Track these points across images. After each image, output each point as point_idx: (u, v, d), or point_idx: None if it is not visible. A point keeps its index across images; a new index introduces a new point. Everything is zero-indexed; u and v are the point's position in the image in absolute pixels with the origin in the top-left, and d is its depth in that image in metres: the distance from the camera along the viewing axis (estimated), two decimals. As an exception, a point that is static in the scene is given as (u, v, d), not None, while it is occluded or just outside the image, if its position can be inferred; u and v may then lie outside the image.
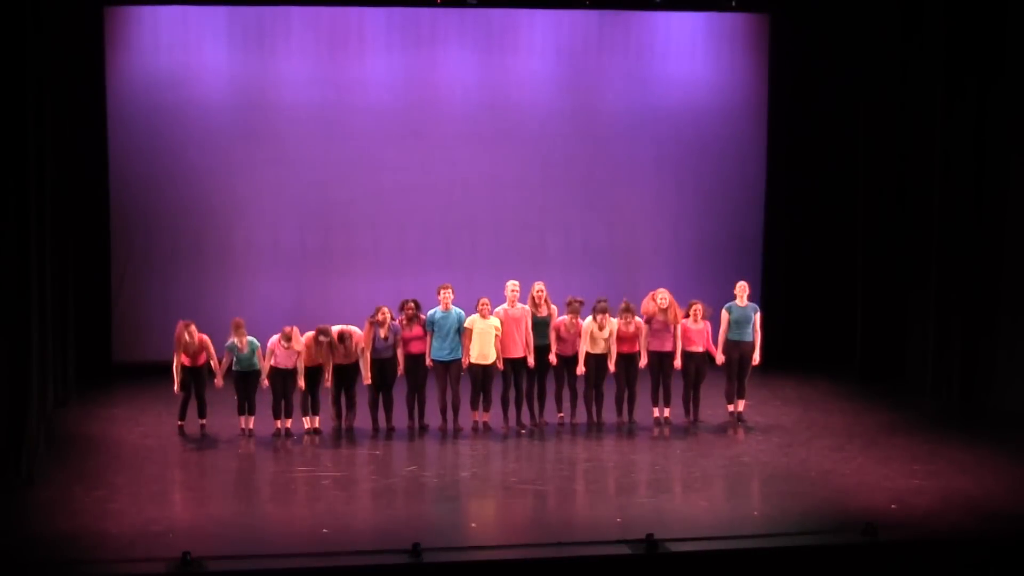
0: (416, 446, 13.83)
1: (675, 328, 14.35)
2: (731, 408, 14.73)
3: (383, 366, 14.09)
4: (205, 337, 13.96)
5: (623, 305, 14.23)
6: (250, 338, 13.85)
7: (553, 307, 14.38)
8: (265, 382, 13.85)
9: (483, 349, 14.06)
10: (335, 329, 13.94)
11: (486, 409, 14.30)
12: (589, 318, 14.24)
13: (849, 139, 17.77)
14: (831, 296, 18.35)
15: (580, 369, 14.25)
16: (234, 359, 13.85)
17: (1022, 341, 14.84)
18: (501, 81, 18.21)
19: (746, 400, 14.79)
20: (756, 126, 18.61)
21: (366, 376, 14.03)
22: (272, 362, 13.81)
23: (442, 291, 14.13)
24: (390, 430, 14.17)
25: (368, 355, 14.00)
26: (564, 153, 18.32)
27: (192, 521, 11.03)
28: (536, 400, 14.43)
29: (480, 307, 14.06)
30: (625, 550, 10.11)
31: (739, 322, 14.54)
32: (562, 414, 14.52)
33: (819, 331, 18.31)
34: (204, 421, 14.08)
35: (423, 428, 14.27)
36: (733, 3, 18.06)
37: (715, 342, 14.59)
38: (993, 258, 15.20)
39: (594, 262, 18.22)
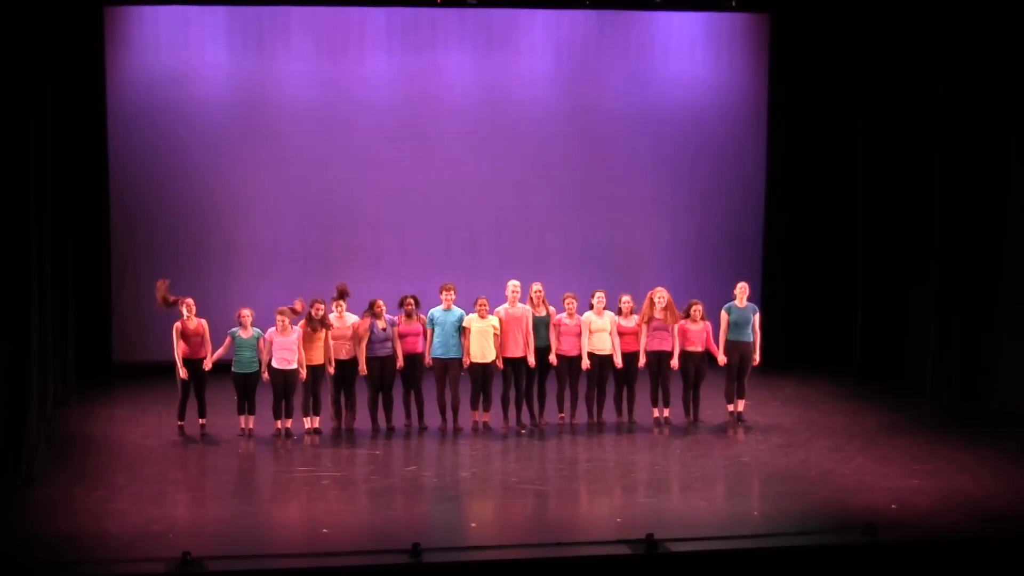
0: (416, 446, 13.83)
1: (673, 328, 14.36)
2: (731, 408, 14.73)
3: (383, 365, 14.10)
4: (204, 323, 13.95)
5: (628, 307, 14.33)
6: (255, 329, 13.86)
7: (551, 307, 14.39)
8: (265, 375, 13.84)
9: (481, 349, 14.06)
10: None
11: (486, 409, 14.31)
12: (588, 312, 14.28)
13: (849, 139, 17.77)
14: (831, 296, 18.36)
15: (585, 364, 14.24)
16: (234, 359, 13.84)
17: (1022, 341, 14.84)
18: (501, 81, 18.22)
19: (746, 400, 14.80)
20: (756, 126, 18.62)
21: (362, 367, 14.04)
22: (270, 357, 13.78)
23: (444, 291, 14.14)
24: (390, 430, 14.18)
25: (364, 346, 14.01)
26: (564, 153, 18.33)
27: (192, 521, 11.04)
28: (536, 400, 14.44)
29: (478, 306, 14.07)
30: (625, 550, 10.10)
31: (738, 323, 14.54)
32: (563, 414, 14.53)
33: (819, 331, 18.31)
34: (204, 421, 14.08)
35: (422, 428, 14.28)
36: (733, 3, 18.06)
37: (716, 342, 14.59)
38: (993, 258, 15.20)
39: (594, 262, 18.22)
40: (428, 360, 14.15)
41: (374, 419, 14.24)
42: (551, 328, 14.25)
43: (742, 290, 14.62)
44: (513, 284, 14.28)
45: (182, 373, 13.85)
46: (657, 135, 18.45)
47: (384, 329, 14.06)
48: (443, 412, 14.25)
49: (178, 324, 13.90)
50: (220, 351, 13.90)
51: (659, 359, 14.39)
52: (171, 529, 10.60)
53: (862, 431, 14.24)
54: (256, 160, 17.81)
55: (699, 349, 14.47)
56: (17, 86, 12.20)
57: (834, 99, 18.07)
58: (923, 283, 16.32)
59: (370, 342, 14.05)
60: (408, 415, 14.34)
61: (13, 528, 10.61)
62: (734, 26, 18.55)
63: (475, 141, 18.17)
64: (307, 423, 14.05)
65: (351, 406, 14.24)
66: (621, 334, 14.31)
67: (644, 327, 14.33)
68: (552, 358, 14.27)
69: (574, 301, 14.32)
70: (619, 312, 14.38)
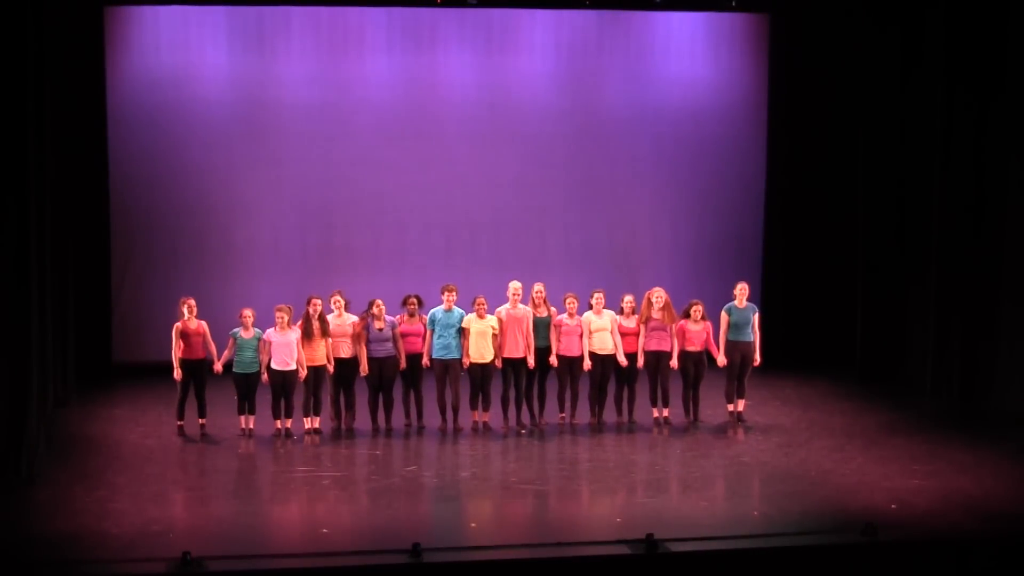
0: (416, 446, 13.83)
1: (671, 328, 14.36)
2: (731, 408, 14.73)
3: (381, 365, 14.10)
4: (204, 324, 13.96)
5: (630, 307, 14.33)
6: (256, 329, 13.87)
7: (552, 308, 14.39)
8: (265, 376, 13.84)
9: (480, 349, 14.07)
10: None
11: (486, 409, 14.31)
12: (588, 312, 14.30)
13: (849, 139, 17.78)
14: (831, 296, 18.36)
15: (587, 364, 14.24)
16: (235, 359, 13.84)
17: (1022, 341, 14.84)
18: (501, 81, 18.23)
19: (746, 400, 14.80)
20: (756, 126, 18.63)
21: (363, 367, 14.04)
22: (270, 358, 13.78)
23: (447, 292, 14.13)
24: (389, 430, 14.18)
25: (363, 346, 14.02)
26: (564, 153, 18.34)
27: (192, 521, 11.04)
28: (536, 400, 14.44)
29: (477, 306, 14.07)
30: (625, 550, 10.10)
31: (738, 324, 14.54)
32: (563, 414, 14.53)
33: (819, 331, 18.32)
34: (204, 421, 14.08)
35: (422, 428, 14.28)
36: (733, 3, 18.07)
37: (716, 343, 14.59)
38: (993, 258, 15.20)
39: (594, 262, 18.22)
40: (426, 361, 14.15)
41: (374, 419, 14.24)
42: (552, 328, 14.26)
43: (742, 291, 14.61)
44: (515, 285, 14.27)
45: (176, 374, 13.86)
46: (657, 135, 18.45)
47: (381, 329, 14.05)
48: (443, 412, 14.25)
49: (178, 324, 13.91)
50: (225, 353, 13.90)
51: (658, 359, 14.39)
52: (171, 529, 10.60)
53: (862, 431, 14.24)
54: (256, 160, 17.81)
55: (699, 349, 14.47)
56: (17, 86, 12.20)
57: (834, 99, 18.08)
58: (923, 283, 16.33)
59: (368, 342, 14.05)
60: (408, 415, 14.34)
61: (13, 528, 10.61)
62: (734, 26, 18.55)
63: (475, 141, 18.17)
64: (307, 423, 14.05)
65: (351, 407, 14.24)
66: (623, 334, 14.31)
67: (642, 327, 14.33)
68: (552, 359, 14.27)
69: (575, 301, 14.33)
70: (621, 312, 14.38)
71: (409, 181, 18.07)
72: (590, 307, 14.38)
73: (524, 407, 14.41)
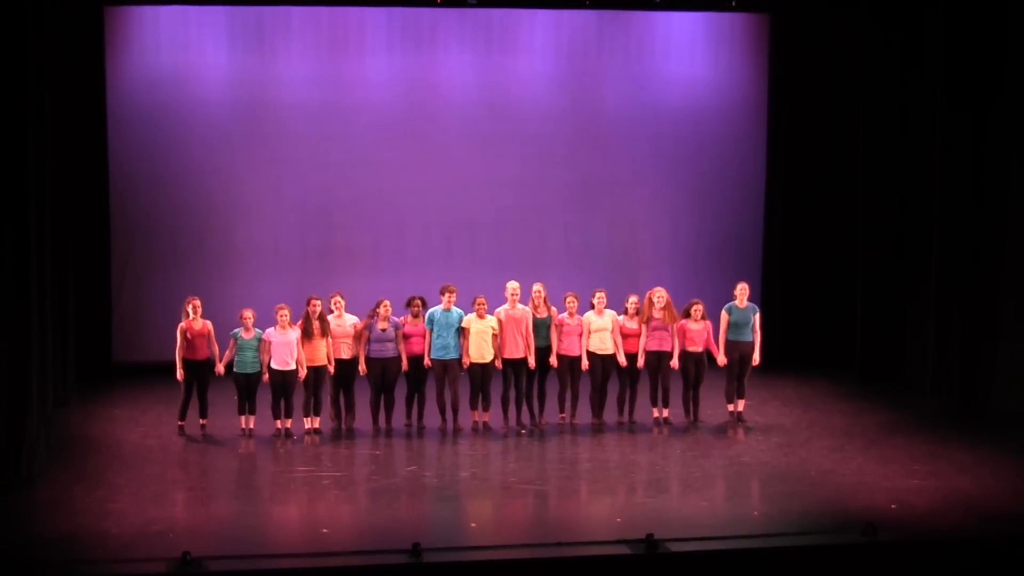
0: (416, 446, 13.83)
1: (672, 328, 14.36)
2: (731, 408, 14.73)
3: (384, 366, 14.10)
4: (209, 323, 13.96)
5: (634, 307, 14.34)
6: (257, 330, 13.87)
7: (552, 308, 14.39)
8: (266, 376, 13.84)
9: (480, 349, 14.06)
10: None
11: (485, 409, 14.30)
12: (589, 312, 14.30)
13: (849, 139, 17.77)
14: (831, 296, 18.36)
15: (584, 364, 14.25)
16: (235, 360, 13.84)
17: (1022, 341, 14.84)
18: (501, 81, 18.22)
19: (746, 400, 14.80)
20: (756, 126, 18.62)
21: (362, 367, 14.04)
22: (270, 358, 13.78)
23: (446, 292, 14.13)
24: (389, 431, 14.17)
25: (363, 346, 14.01)
26: (564, 153, 18.34)
27: (192, 521, 11.04)
28: (536, 400, 14.44)
29: (476, 306, 14.07)
30: (625, 550, 10.10)
31: (738, 324, 14.54)
32: (564, 414, 14.53)
33: (819, 331, 18.32)
34: (204, 421, 14.08)
35: (422, 428, 14.28)
36: (733, 3, 18.07)
37: (716, 342, 14.59)
38: (993, 258, 15.19)
39: (594, 262, 18.22)
40: (427, 361, 14.14)
41: (375, 419, 14.24)
42: (552, 328, 14.26)
43: (742, 291, 14.61)
44: (513, 285, 14.28)
45: (178, 375, 13.86)
46: (657, 135, 18.45)
47: (384, 330, 14.05)
48: (443, 412, 14.25)
49: (183, 324, 13.90)
50: (227, 354, 13.90)
51: (659, 359, 14.39)
52: (171, 529, 10.60)
53: (862, 431, 14.24)
54: (256, 160, 17.81)
55: (699, 349, 14.47)
56: (17, 86, 12.20)
57: (834, 99, 18.07)
58: (923, 283, 16.32)
59: (369, 342, 14.05)
60: (409, 415, 14.34)
61: (13, 528, 10.62)
62: (734, 26, 18.55)
63: (475, 141, 18.17)
64: (307, 423, 14.05)
65: (350, 407, 14.23)
66: (627, 335, 14.31)
67: (643, 327, 14.33)
68: (552, 359, 14.27)
69: (575, 300, 14.33)
70: (625, 312, 14.37)
71: (409, 181, 18.06)
72: (592, 307, 14.38)
73: (524, 407, 14.40)
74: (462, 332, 14.08)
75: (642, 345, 14.33)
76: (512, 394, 14.33)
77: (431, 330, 14.09)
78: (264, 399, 13.97)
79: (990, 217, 15.20)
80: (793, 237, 18.48)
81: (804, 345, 18.20)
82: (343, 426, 14.18)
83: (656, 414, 14.52)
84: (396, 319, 14.17)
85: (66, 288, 15.81)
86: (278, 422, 13.94)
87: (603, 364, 14.32)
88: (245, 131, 17.78)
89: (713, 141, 18.52)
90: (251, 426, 13.97)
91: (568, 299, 14.33)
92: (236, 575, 9.75)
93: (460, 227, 18.28)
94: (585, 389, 14.49)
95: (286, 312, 13.81)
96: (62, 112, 15.67)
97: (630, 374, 14.42)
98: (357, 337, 14.05)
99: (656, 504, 11.55)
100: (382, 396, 14.21)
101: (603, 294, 14.37)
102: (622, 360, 14.28)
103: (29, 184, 12.37)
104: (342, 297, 14.18)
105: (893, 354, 17.10)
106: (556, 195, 18.37)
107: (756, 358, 14.66)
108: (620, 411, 14.53)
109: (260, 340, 13.84)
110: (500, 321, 14.15)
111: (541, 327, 14.23)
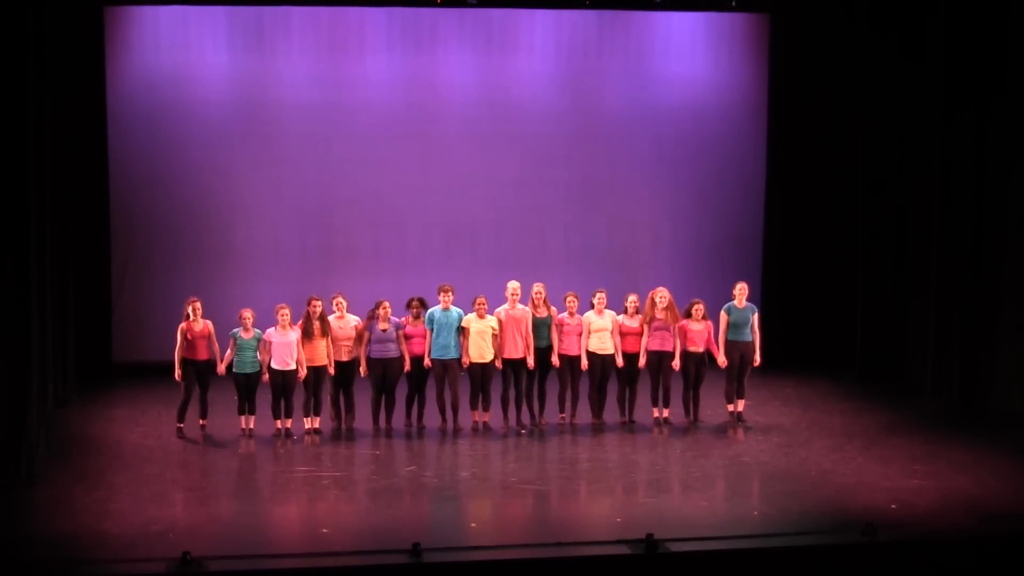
0: (416, 446, 13.83)
1: (674, 328, 14.37)
2: (731, 408, 14.73)
3: (385, 366, 14.10)
4: (210, 324, 13.96)
5: (633, 306, 14.34)
6: (256, 330, 13.87)
7: (552, 308, 14.39)
8: (266, 376, 13.84)
9: (480, 349, 14.07)
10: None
11: (485, 409, 14.31)
12: (589, 311, 14.30)
13: (849, 139, 17.77)
14: (831, 296, 18.35)
15: (584, 364, 14.25)
16: (235, 360, 13.84)
17: (1022, 341, 14.84)
18: (501, 81, 18.22)
19: (746, 400, 14.80)
20: (756, 126, 18.62)
21: (363, 368, 14.04)
22: (270, 358, 13.78)
23: (443, 292, 14.13)
24: (390, 431, 14.18)
25: (364, 347, 14.01)
26: (564, 153, 18.33)
27: (192, 521, 11.03)
28: (536, 400, 14.44)
29: (477, 306, 14.07)
30: (625, 550, 10.10)
31: (738, 324, 14.54)
32: (564, 414, 14.53)
33: (819, 331, 18.31)
34: (204, 422, 14.09)
35: (422, 428, 14.28)
36: (733, 3, 18.06)
37: (717, 342, 14.59)
38: (993, 258, 15.19)
39: (594, 262, 18.21)
40: (427, 361, 14.14)
41: (375, 419, 14.24)
42: (553, 328, 14.26)
43: (741, 290, 14.61)
44: (513, 285, 14.28)
45: (177, 375, 13.86)
46: (657, 135, 18.45)
47: (385, 330, 14.05)
48: (443, 412, 14.25)
49: (183, 325, 13.90)
50: (228, 355, 13.90)
51: (660, 359, 14.39)
52: (171, 529, 10.60)
53: (862, 431, 14.24)
54: (256, 160, 17.81)
55: (700, 349, 14.47)
56: (17, 86, 12.20)
57: (834, 99, 18.06)
58: (923, 283, 16.32)
59: (370, 342, 14.05)
60: (409, 415, 14.34)
61: (13, 528, 10.62)
62: (734, 26, 18.55)
63: (475, 141, 18.17)
64: (307, 423, 14.05)
65: (350, 407, 14.23)
66: (626, 334, 14.31)
67: (645, 327, 14.34)
68: (554, 359, 14.27)
69: (575, 300, 14.34)
70: (625, 311, 14.38)
71: (409, 181, 18.06)
72: (592, 307, 14.38)
73: (524, 407, 14.41)
74: (462, 332, 14.08)
75: (644, 345, 14.34)
76: (512, 394, 14.33)
77: (431, 330, 14.09)
78: (264, 399, 13.97)
79: (990, 217, 15.20)
80: (793, 237, 18.48)
81: (804, 345, 18.19)
82: (343, 426, 14.19)
83: (656, 414, 14.53)
84: (397, 320, 14.18)
85: (66, 288, 15.81)
86: (278, 422, 13.94)
87: (603, 364, 14.33)
88: (245, 131, 17.78)
89: (713, 141, 18.52)
90: (251, 426, 13.97)
91: (568, 299, 14.34)
92: (236, 575, 9.75)
93: (460, 227, 18.28)
94: (585, 389, 14.49)
95: (287, 312, 13.83)
96: (62, 112, 15.66)
97: (630, 374, 14.41)
98: (358, 338, 14.06)
99: (656, 504, 11.55)
100: (383, 396, 14.21)
101: (603, 294, 14.37)
102: (619, 361, 14.28)
103: (29, 184, 12.37)
104: (344, 298, 14.18)
105: (893, 354, 17.10)
106: (556, 195, 18.38)
107: (757, 358, 14.66)
108: (620, 411, 14.53)
109: (260, 340, 13.84)
110: (500, 321, 14.15)
111: (541, 327, 14.24)
